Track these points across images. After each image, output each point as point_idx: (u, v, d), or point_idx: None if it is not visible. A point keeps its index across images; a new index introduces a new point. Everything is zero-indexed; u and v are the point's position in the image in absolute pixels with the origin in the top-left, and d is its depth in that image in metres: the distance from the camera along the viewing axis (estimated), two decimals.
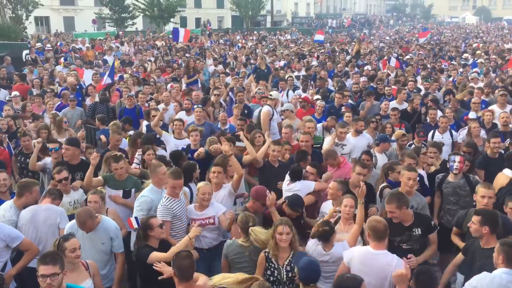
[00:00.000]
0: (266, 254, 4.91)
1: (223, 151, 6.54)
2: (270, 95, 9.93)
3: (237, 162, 6.52)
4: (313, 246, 5.07)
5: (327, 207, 6.09)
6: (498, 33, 43.59)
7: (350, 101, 11.43)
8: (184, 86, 13.50)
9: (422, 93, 12.33)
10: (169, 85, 13.63)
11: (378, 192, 6.54)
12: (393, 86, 12.68)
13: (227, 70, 16.60)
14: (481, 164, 7.28)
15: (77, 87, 12.89)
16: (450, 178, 6.47)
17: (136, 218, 5.54)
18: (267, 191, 5.82)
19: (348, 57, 20.50)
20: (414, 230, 5.21)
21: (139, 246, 5.12)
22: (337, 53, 22.77)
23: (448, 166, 6.54)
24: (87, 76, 14.15)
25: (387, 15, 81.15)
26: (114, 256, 5.54)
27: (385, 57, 19.28)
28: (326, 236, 4.92)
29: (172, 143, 8.54)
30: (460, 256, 5.10)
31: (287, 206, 5.72)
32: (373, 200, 6.34)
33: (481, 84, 13.09)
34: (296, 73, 15.90)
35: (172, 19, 41.23)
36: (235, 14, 53.12)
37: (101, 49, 24.64)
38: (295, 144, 8.08)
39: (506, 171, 6.66)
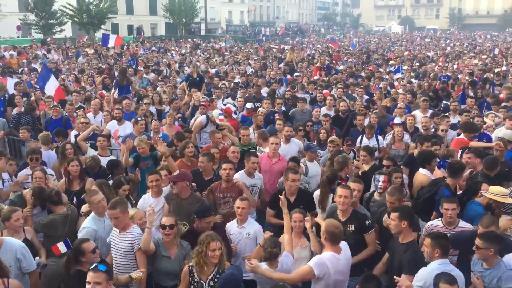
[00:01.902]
0: (190, 268, 4.81)
1: (160, 152, 6.49)
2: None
3: (174, 162, 6.51)
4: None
5: (230, 227, 5.91)
6: (421, 41, 46.09)
7: (283, 108, 11.65)
8: (116, 94, 13.17)
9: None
10: (98, 93, 13.26)
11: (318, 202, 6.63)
12: (325, 90, 13.12)
13: (160, 78, 16.40)
14: (407, 163, 7.75)
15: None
16: (376, 196, 6.59)
17: (66, 240, 5.30)
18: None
19: (281, 65, 20.95)
20: (348, 225, 5.49)
21: (72, 273, 4.77)
22: (271, 61, 23.13)
23: (374, 184, 6.71)
24: (10, 85, 13.45)
25: (318, 24, 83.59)
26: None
27: (317, 64, 19.79)
28: (274, 256, 4.89)
29: None
30: (387, 255, 5.36)
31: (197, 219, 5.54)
32: (313, 207, 6.45)
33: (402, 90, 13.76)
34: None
35: (102, 26, 40.10)
36: (169, 21, 52.57)
37: (26, 56, 23.53)
38: (222, 148, 8.23)
39: (422, 170, 7.13)
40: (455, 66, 21.19)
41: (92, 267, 4.13)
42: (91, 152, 8.45)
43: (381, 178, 6.49)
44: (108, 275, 4.12)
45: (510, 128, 8.69)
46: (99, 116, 10.81)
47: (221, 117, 9.93)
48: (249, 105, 11.11)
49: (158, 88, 14.45)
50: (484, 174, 6.57)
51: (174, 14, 48.25)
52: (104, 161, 8.05)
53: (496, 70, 18.13)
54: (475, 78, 16.09)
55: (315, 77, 17.23)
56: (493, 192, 5.73)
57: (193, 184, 6.64)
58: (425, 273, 4.54)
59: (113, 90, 13.39)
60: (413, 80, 16.30)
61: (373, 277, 4.49)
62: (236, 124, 10.45)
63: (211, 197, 6.58)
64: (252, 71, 19.66)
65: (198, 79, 14.56)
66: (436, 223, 5.70)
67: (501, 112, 10.56)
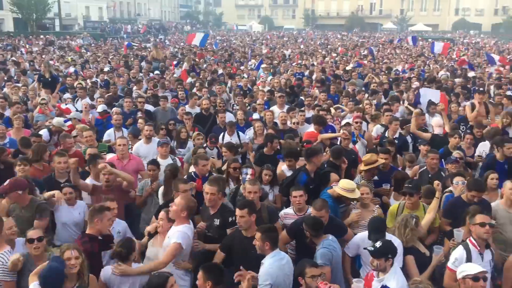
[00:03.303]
0: None
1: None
2: None
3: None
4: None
5: None
6: (279, 40, 48.40)
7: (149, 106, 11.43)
8: None
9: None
10: None
11: None
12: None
13: (6, 78, 14.96)
14: (258, 161, 7.99)
15: None
16: (242, 189, 6.55)
17: None
18: None
19: (143, 63, 20.47)
20: (215, 220, 5.64)
21: None
22: (132, 59, 22.46)
23: (240, 178, 6.86)
24: None
25: (181, 22, 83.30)
26: None
27: (184, 67, 19.69)
28: (123, 256, 4.80)
29: None
30: (220, 254, 5.34)
31: None
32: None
33: (268, 87, 14.36)
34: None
35: None
36: (18, 16, 48.14)
37: None
38: (74, 152, 7.90)
39: (283, 166, 7.42)
40: (315, 63, 22.66)
41: None
42: None
43: (249, 171, 6.70)
44: None
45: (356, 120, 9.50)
46: None
47: (68, 123, 9.30)
48: (100, 108, 10.62)
49: (5, 89, 13.19)
50: (331, 163, 7.11)
51: (23, 9, 44.39)
52: None
53: (347, 67, 19.77)
54: (325, 75, 17.39)
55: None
56: (342, 187, 6.09)
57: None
58: (267, 269, 4.65)
59: None
60: (270, 78, 17.03)
61: (214, 266, 4.54)
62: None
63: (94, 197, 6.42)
64: (109, 69, 18.85)
65: (50, 79, 13.56)
66: (288, 211, 6.06)
67: (349, 105, 11.51)
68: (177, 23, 79.72)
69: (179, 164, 7.77)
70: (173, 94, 13.35)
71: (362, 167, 7.21)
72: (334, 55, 28.43)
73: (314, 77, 17.26)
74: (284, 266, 4.74)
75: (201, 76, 16.99)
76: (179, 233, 5.01)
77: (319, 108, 10.84)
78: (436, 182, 6.23)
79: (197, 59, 23.40)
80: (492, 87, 14.98)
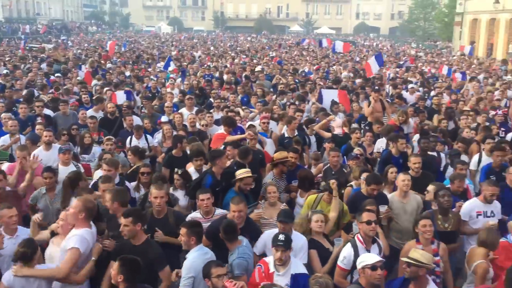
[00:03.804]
0: None
1: None
2: None
3: None
4: None
5: None
6: (188, 42, 48.08)
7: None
8: None
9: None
10: None
11: None
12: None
13: None
14: (167, 163, 7.94)
15: None
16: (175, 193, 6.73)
17: None
18: None
19: (43, 65, 19.38)
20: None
21: None
22: (31, 61, 21.17)
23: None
24: None
25: (85, 22, 79.90)
26: None
27: (87, 68, 18.92)
28: (28, 257, 4.56)
29: None
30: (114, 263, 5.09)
31: None
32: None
33: (176, 91, 14.16)
34: None
35: None
36: None
37: None
38: None
39: (190, 168, 7.39)
40: (227, 65, 22.76)
41: None
42: None
43: (175, 177, 6.75)
44: None
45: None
46: None
47: None
48: None
49: None
50: (239, 163, 7.22)
51: None
52: None
53: (256, 69, 20.11)
54: (235, 77, 17.57)
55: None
56: (239, 172, 6.44)
57: None
58: (190, 263, 4.75)
59: None
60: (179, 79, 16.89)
61: (133, 261, 4.37)
62: None
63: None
64: (6, 72, 17.58)
65: None
66: (195, 215, 6.01)
67: (258, 106, 11.71)
68: (81, 24, 76.35)
69: (82, 171, 7.43)
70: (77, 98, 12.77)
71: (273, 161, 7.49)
72: (243, 56, 28.79)
73: (224, 78, 17.38)
74: (207, 261, 4.75)
75: (107, 78, 16.41)
76: (76, 238, 4.78)
77: (228, 109, 10.91)
78: (331, 181, 6.35)
79: (102, 61, 22.63)
80: (387, 86, 16.04)
